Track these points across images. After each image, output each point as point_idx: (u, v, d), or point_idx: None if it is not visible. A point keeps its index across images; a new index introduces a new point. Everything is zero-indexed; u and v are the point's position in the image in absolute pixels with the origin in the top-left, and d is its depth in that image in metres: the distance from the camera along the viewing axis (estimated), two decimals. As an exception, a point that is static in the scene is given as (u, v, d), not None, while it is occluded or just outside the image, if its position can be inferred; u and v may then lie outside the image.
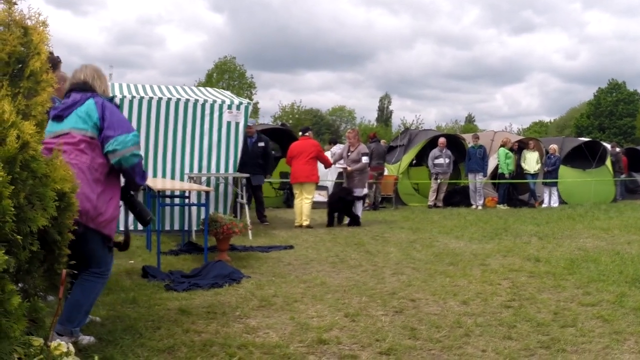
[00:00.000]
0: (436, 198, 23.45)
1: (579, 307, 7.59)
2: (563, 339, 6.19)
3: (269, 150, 17.31)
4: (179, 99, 13.43)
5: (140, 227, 12.88)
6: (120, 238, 6.30)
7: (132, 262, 10.00)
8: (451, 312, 7.23)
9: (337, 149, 22.40)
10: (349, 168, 17.05)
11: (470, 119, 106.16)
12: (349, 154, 17.30)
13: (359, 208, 16.98)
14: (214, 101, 13.68)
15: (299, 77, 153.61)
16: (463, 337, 6.23)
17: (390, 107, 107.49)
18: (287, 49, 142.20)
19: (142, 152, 12.63)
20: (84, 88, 5.95)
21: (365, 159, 17.03)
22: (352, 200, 16.68)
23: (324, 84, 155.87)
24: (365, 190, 17.95)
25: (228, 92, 15.59)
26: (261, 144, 16.89)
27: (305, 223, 15.85)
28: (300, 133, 17.06)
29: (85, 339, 5.66)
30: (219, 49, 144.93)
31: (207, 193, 10.64)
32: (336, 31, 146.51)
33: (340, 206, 16.79)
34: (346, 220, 16.87)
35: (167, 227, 13.52)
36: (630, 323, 6.83)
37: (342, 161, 17.68)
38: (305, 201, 16.06)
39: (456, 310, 7.32)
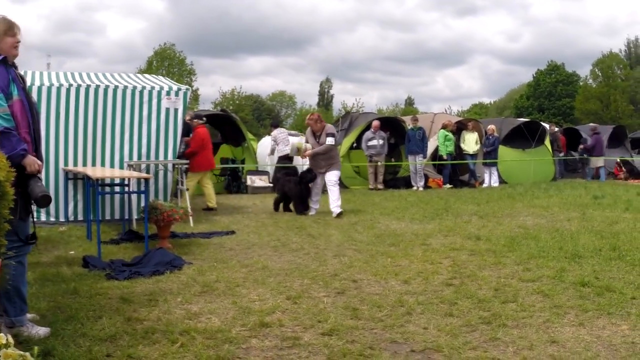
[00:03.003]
0: (376, 180, 23.55)
1: (519, 283, 7.74)
2: (504, 314, 6.30)
3: None
4: (116, 87, 13.25)
5: (80, 217, 12.77)
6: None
7: (72, 252, 9.90)
8: (393, 292, 7.30)
9: (279, 133, 22.26)
10: (307, 152, 15.74)
11: (410, 102, 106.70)
12: (318, 139, 15.70)
13: (335, 193, 15.33)
14: (152, 88, 13.53)
15: (240, 62, 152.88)
16: (405, 316, 6.30)
17: (332, 91, 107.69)
18: (229, 35, 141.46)
19: (72, 139, 12.58)
20: None
21: (330, 140, 15.73)
22: (310, 181, 15.79)
23: (266, 69, 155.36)
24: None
25: (166, 79, 15.44)
26: None
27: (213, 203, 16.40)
28: (199, 121, 16.76)
29: (42, 330, 5.62)
30: (160, 35, 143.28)
31: (147, 180, 10.56)
32: (279, 16, 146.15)
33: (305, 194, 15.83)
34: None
35: (108, 217, 13.35)
36: (570, 297, 6.99)
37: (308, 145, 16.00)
38: (209, 185, 16.59)
39: (398, 290, 7.40)
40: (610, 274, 8.17)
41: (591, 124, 35.42)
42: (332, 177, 15.51)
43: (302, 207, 15.71)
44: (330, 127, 16.01)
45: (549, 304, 6.72)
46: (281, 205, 16.25)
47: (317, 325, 5.99)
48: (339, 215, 14.77)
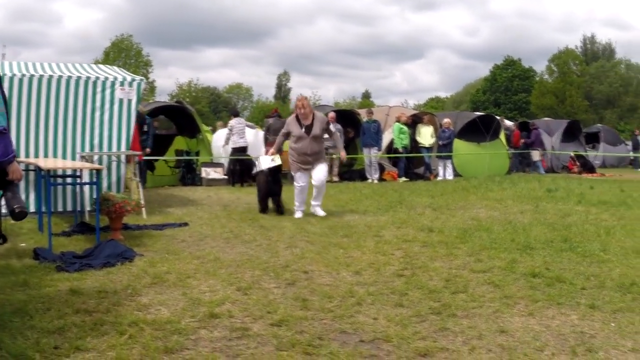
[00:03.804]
0: (331, 173, 23.55)
1: (470, 273, 7.81)
2: (454, 305, 6.36)
3: None
4: (70, 77, 13.11)
5: (32, 209, 12.63)
6: None
7: (23, 244, 9.78)
8: (343, 283, 7.33)
9: (237, 123, 22.16)
10: (343, 155, 13.62)
11: (366, 95, 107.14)
12: (308, 130, 13.12)
13: (322, 192, 13.69)
14: (106, 78, 13.40)
15: (198, 54, 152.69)
16: (355, 306, 6.32)
17: (289, 84, 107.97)
18: (187, 26, 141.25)
19: (24, 129, 12.42)
20: None
21: (334, 127, 13.46)
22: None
23: (224, 61, 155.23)
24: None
25: (121, 69, 15.30)
26: None
27: None
28: None
29: None
30: (118, 26, 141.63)
31: (98, 171, 10.48)
32: (238, 8, 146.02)
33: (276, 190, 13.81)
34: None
35: (60, 208, 13.22)
36: (521, 287, 7.08)
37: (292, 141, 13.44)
38: None
39: (349, 281, 7.42)
40: (561, 265, 8.28)
41: (545, 119, 35.91)
42: (321, 174, 13.47)
43: (265, 205, 13.95)
44: (322, 115, 13.74)
45: (499, 295, 6.78)
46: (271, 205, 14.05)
47: (267, 316, 5.99)
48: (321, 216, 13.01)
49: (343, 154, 14.01)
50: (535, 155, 29.50)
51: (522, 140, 29.90)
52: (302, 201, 13.33)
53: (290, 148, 13.45)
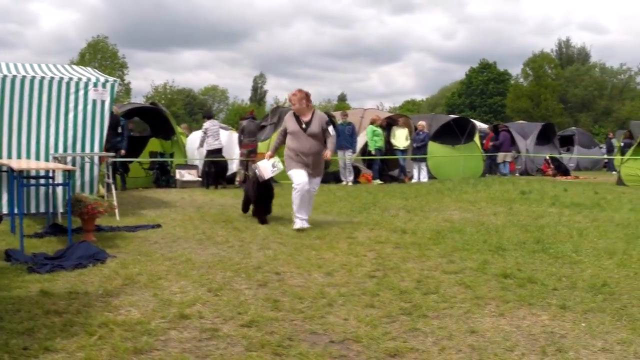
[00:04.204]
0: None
1: (442, 275, 7.84)
2: (425, 305, 6.38)
3: None
4: (43, 77, 13.00)
5: (5, 210, 12.54)
6: None
7: (-5, 246, 9.75)
8: (315, 284, 7.34)
9: (211, 125, 22.06)
10: (328, 153, 11.89)
11: (342, 98, 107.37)
12: (305, 126, 11.83)
13: (311, 205, 12.40)
14: (79, 79, 13.30)
15: (174, 56, 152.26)
16: (325, 307, 6.34)
17: (265, 87, 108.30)
18: (164, 27, 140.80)
19: (6, 132, 12.34)
20: None
21: (333, 130, 12.18)
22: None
23: (200, 63, 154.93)
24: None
25: (95, 70, 15.20)
26: None
27: None
28: None
29: None
30: (94, 27, 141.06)
31: (69, 172, 10.42)
32: (215, 9, 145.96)
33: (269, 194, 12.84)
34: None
35: (33, 210, 13.14)
36: (492, 288, 7.11)
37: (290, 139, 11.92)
38: None
39: (320, 282, 7.44)
40: (533, 266, 8.35)
41: (520, 122, 36.10)
42: (316, 186, 12.20)
43: (263, 214, 12.73)
44: (322, 114, 12.31)
45: (470, 295, 6.82)
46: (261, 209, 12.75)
47: (237, 317, 5.99)
48: (300, 229, 11.45)
49: (328, 153, 11.92)
50: (500, 157, 29.63)
51: (491, 143, 30.00)
52: (303, 208, 11.80)
53: (287, 148, 12.02)
